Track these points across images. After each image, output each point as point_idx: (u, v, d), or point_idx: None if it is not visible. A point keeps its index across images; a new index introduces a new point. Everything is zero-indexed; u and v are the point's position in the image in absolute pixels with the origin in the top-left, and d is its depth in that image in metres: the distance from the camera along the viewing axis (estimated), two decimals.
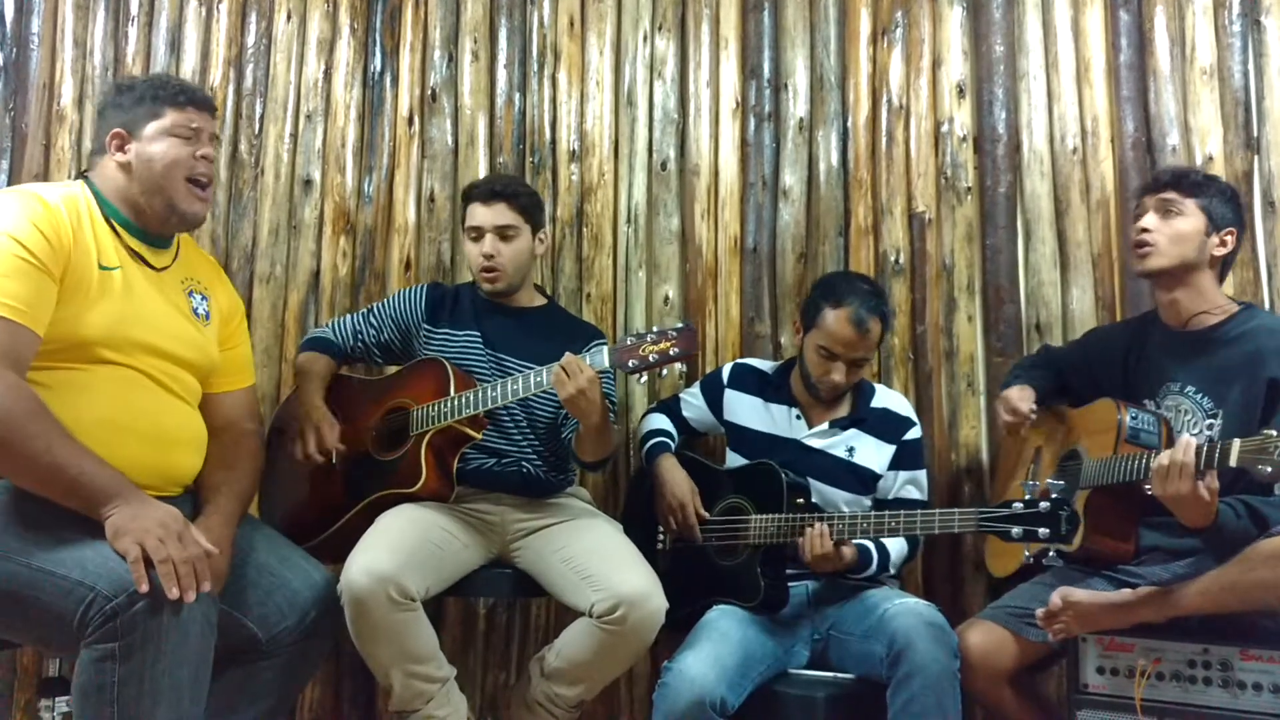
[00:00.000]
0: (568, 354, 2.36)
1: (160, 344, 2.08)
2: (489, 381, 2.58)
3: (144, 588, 1.72)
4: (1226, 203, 2.37)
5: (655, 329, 2.38)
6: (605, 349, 2.38)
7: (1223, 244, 2.35)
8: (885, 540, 2.51)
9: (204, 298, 2.25)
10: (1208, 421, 2.28)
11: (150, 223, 2.14)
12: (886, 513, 2.38)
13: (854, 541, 2.42)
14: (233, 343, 2.34)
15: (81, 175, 2.19)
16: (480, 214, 2.66)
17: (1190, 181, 2.37)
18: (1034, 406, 2.49)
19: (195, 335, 2.18)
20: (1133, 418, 2.30)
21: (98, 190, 2.11)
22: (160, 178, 2.10)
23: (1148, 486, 2.24)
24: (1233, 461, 1.97)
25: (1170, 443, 2.27)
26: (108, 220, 2.09)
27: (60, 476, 1.83)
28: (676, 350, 2.31)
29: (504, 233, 2.65)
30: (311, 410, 2.58)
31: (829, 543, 2.33)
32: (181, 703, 1.78)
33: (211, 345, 2.24)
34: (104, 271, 2.02)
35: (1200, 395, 2.30)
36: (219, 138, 2.23)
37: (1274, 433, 1.93)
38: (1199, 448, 2.00)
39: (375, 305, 2.83)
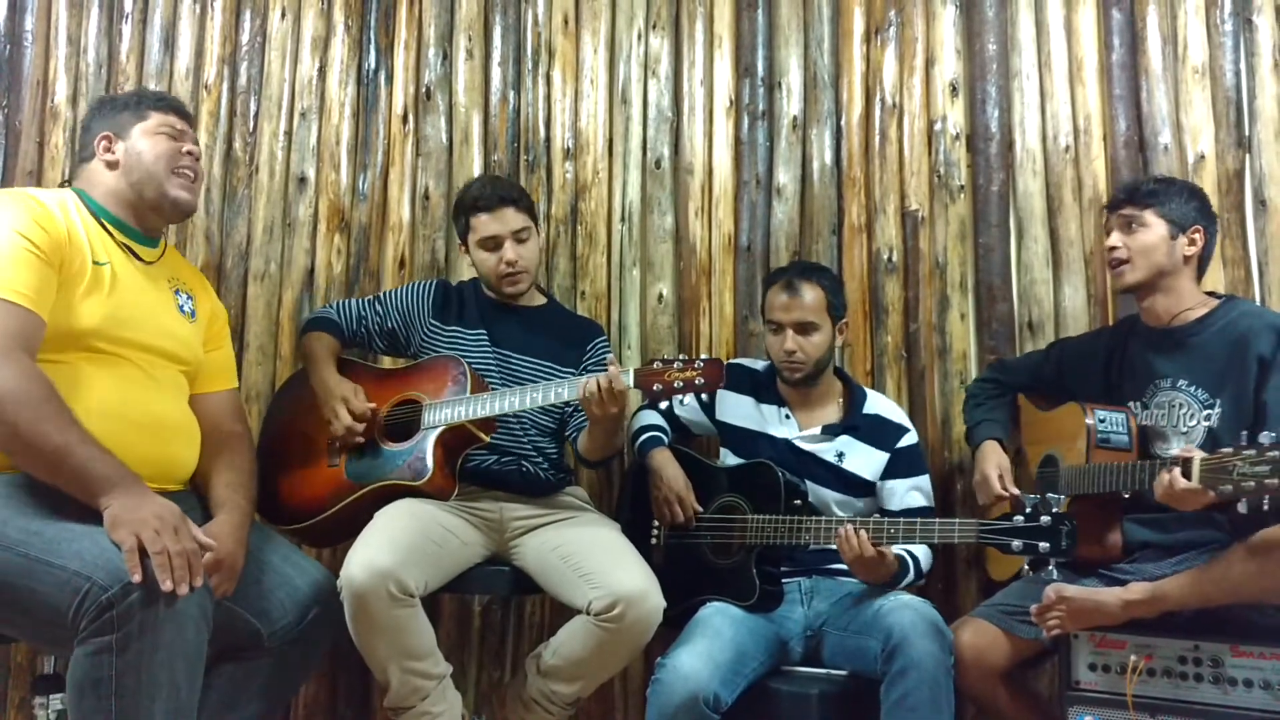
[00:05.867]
0: (609, 374, 2.35)
1: (150, 339, 2.14)
2: (494, 380, 2.59)
3: (137, 577, 1.73)
4: (1186, 203, 2.38)
5: (682, 356, 2.37)
6: (631, 370, 2.38)
7: (1191, 243, 2.37)
8: (912, 548, 2.48)
9: (189, 297, 2.32)
10: (1205, 413, 2.28)
11: (142, 215, 2.23)
12: (885, 520, 2.38)
13: (894, 550, 2.40)
14: (216, 344, 2.40)
15: (65, 183, 2.24)
16: (492, 223, 2.66)
17: (1144, 193, 2.40)
18: (1011, 481, 2.46)
19: (182, 331, 2.24)
20: (1100, 420, 2.33)
21: (86, 195, 2.20)
22: (150, 167, 2.21)
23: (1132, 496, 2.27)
24: (1194, 479, 1.99)
25: (1141, 439, 2.33)
26: (98, 220, 2.16)
27: (67, 461, 1.86)
28: (701, 381, 2.32)
29: (519, 236, 2.67)
30: (334, 386, 2.59)
31: (869, 546, 2.31)
32: (179, 695, 1.79)
33: (197, 343, 2.30)
34: (97, 266, 2.09)
35: (1194, 388, 2.31)
36: (199, 145, 2.35)
37: (1229, 449, 1.95)
38: (1176, 473, 2.03)
39: (381, 294, 2.84)
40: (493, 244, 2.67)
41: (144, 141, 2.22)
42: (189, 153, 2.26)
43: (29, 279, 1.95)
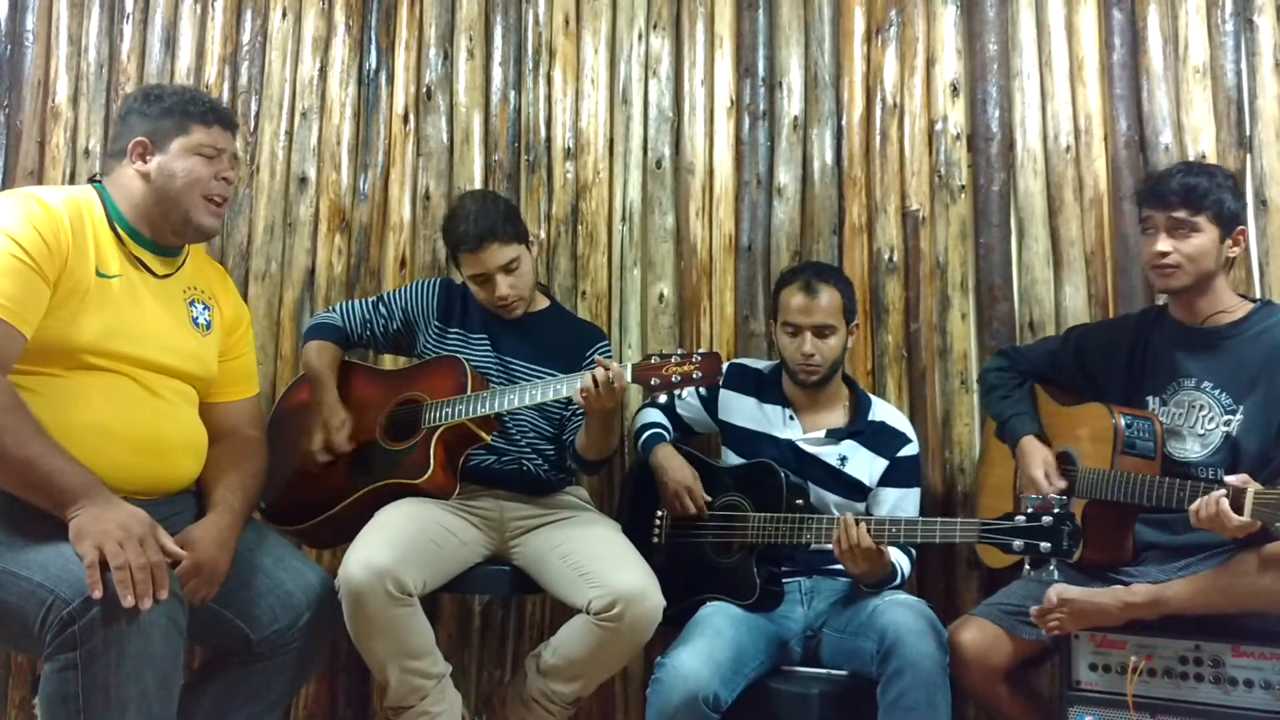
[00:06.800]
0: (607, 368, 2.33)
1: (151, 355, 2.06)
2: (496, 385, 2.59)
3: (96, 593, 1.69)
4: (1235, 199, 2.29)
5: (680, 350, 2.36)
6: (629, 365, 2.38)
7: (1235, 244, 2.30)
8: (897, 557, 2.48)
9: (206, 307, 2.23)
10: (1225, 418, 2.25)
11: (161, 232, 2.13)
12: (888, 519, 2.37)
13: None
14: (236, 353, 2.32)
15: (92, 180, 2.17)
16: (477, 262, 2.60)
17: (1199, 195, 2.24)
18: (1056, 475, 2.39)
19: (192, 346, 2.16)
20: (1127, 425, 2.28)
21: (108, 196, 2.10)
22: (179, 193, 2.09)
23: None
24: (1246, 513, 1.94)
25: (1164, 446, 2.28)
26: (113, 227, 2.07)
27: (30, 473, 1.80)
28: (699, 374, 2.31)
29: (508, 268, 2.61)
30: (331, 410, 2.59)
31: (868, 538, 2.29)
32: (150, 708, 1.75)
33: (210, 356, 2.22)
34: (101, 279, 2.01)
35: (1219, 391, 2.28)
36: (239, 157, 2.22)
37: None
38: (1220, 499, 1.97)
39: (385, 295, 2.83)
40: (483, 279, 2.63)
41: (180, 161, 2.09)
42: (224, 178, 2.14)
43: (9, 288, 1.86)
